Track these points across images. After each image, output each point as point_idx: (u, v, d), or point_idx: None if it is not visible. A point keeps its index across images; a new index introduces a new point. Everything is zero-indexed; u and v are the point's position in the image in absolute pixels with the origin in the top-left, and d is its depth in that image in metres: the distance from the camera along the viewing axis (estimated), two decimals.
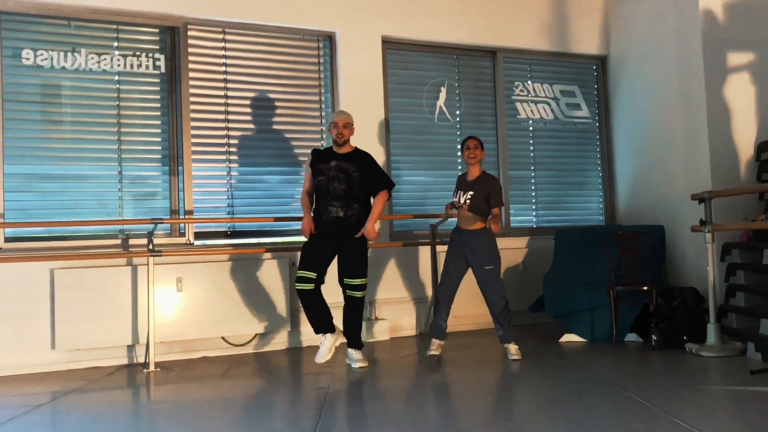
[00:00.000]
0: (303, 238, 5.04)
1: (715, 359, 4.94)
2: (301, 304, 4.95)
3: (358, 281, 4.96)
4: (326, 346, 4.89)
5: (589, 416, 3.50)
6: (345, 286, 4.97)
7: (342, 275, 4.98)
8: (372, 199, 5.16)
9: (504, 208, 7.07)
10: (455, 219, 5.37)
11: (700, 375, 4.49)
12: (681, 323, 5.45)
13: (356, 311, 5.02)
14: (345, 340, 5.01)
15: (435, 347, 5.24)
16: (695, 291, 5.71)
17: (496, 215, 5.16)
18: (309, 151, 5.50)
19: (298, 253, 5.87)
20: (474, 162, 5.27)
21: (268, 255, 5.86)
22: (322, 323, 4.94)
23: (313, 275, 4.83)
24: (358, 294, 4.97)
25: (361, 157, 5.12)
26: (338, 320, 5.00)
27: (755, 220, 5.50)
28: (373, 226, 5.01)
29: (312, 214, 5.12)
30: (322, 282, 4.91)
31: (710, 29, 6.07)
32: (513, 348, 5.09)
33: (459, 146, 5.43)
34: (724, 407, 3.71)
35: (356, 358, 4.98)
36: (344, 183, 4.97)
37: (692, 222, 5.65)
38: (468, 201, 5.17)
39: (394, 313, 6.38)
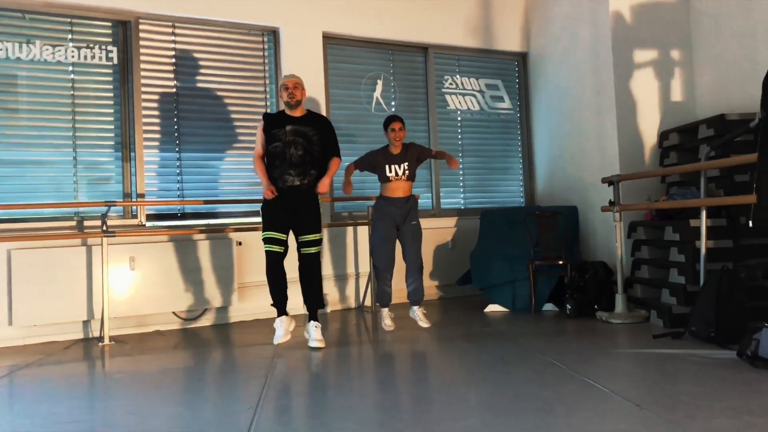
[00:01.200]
0: (251, 219, 5.04)
1: (622, 325, 5.08)
2: (267, 275, 4.63)
3: (314, 236, 4.68)
4: (284, 328, 4.68)
5: (511, 378, 3.58)
6: (301, 244, 4.68)
7: (298, 233, 4.69)
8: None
9: (434, 191, 7.20)
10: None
11: (609, 340, 4.58)
12: (592, 294, 5.58)
13: (315, 270, 4.74)
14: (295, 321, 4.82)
15: (389, 320, 5.26)
16: (605, 265, 5.86)
17: (444, 153, 5.39)
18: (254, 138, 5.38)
19: (244, 234, 5.95)
20: (399, 144, 5.23)
21: (215, 235, 5.85)
22: (284, 300, 4.72)
23: (283, 236, 4.60)
24: (314, 249, 4.69)
25: (317, 119, 4.82)
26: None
27: (658, 200, 5.60)
28: (327, 183, 4.72)
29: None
30: (287, 252, 4.67)
31: (619, 29, 6.18)
32: (421, 312, 5.25)
33: (384, 123, 5.31)
34: (629, 367, 3.81)
35: (315, 337, 4.62)
36: (302, 148, 4.63)
37: (602, 203, 5.83)
38: (407, 171, 5.19)
39: (334, 288, 6.46)
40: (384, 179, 5.24)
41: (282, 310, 4.74)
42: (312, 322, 4.72)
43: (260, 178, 4.75)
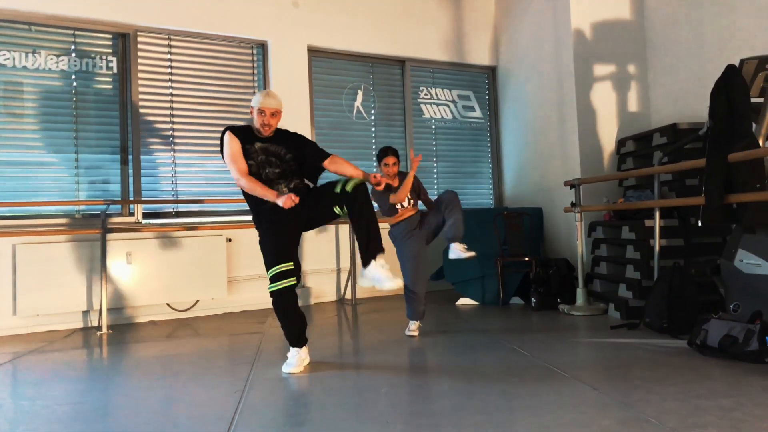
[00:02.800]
0: (240, 218, 4.73)
1: (583, 317, 5.07)
2: (275, 309, 3.54)
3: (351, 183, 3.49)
4: (300, 357, 3.60)
5: (480, 365, 3.58)
6: (344, 193, 3.46)
7: (333, 203, 3.50)
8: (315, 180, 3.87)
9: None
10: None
11: (570, 330, 4.57)
12: (555, 288, 5.56)
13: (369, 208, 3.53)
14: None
15: (415, 326, 4.54)
16: (567, 261, 5.85)
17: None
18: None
19: (234, 231, 5.87)
20: (393, 179, 4.42)
21: (206, 232, 5.75)
22: (304, 330, 3.64)
23: (291, 265, 3.47)
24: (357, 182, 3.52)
25: (288, 138, 3.73)
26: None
27: (615, 202, 5.61)
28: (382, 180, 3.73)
29: (255, 212, 3.65)
30: (300, 278, 3.60)
31: (580, 45, 6.19)
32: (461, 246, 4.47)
33: (375, 155, 4.57)
34: (588, 355, 3.82)
35: (387, 276, 3.42)
36: (276, 166, 3.60)
37: (565, 204, 5.81)
38: (412, 201, 4.53)
39: (317, 282, 6.42)
40: (392, 212, 4.49)
41: (305, 339, 3.67)
42: (374, 261, 3.47)
43: (265, 194, 3.52)
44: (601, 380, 3.15)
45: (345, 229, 6.47)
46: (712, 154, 4.00)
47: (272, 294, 3.48)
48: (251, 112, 3.65)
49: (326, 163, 3.72)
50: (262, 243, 3.59)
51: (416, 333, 4.51)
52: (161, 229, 5.62)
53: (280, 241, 3.52)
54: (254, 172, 3.59)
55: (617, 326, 4.53)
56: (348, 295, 6.33)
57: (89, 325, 5.31)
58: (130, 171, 5.73)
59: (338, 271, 6.51)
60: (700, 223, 4.07)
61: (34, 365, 3.95)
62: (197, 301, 5.71)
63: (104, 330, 5.02)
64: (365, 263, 3.48)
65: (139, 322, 5.44)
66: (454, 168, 7.52)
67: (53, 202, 5.34)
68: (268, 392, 3.14)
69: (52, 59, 5.50)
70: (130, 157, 5.74)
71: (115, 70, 5.77)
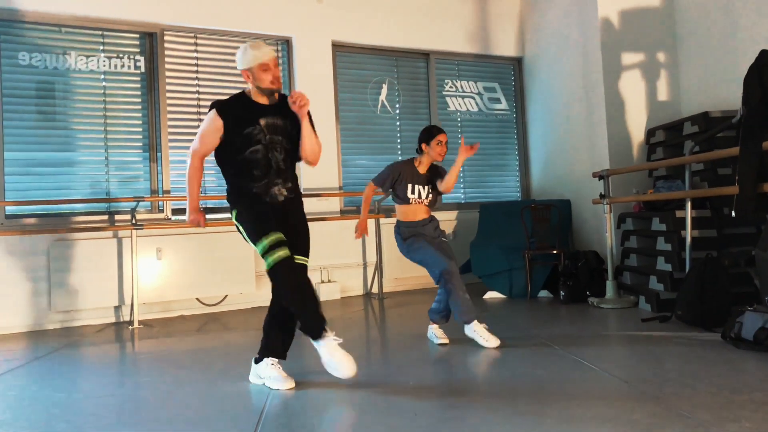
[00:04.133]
0: None
1: (613, 310, 5.01)
2: (280, 288, 2.96)
3: (306, 260, 3.13)
4: (337, 349, 3.00)
5: (508, 358, 3.55)
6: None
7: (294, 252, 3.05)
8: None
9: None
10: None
11: (599, 323, 4.52)
12: (584, 281, 5.49)
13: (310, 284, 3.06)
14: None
15: (485, 331, 3.87)
16: (596, 254, 5.79)
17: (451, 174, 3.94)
18: None
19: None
20: (442, 159, 4.08)
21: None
22: (319, 310, 3.00)
23: (280, 236, 2.94)
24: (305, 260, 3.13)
25: (286, 102, 3.11)
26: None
27: (645, 193, 5.54)
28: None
29: (238, 193, 3.10)
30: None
31: (607, 34, 6.10)
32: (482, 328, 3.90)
33: (424, 135, 4.10)
34: (618, 348, 3.77)
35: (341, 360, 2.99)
36: (283, 150, 3.06)
37: (593, 196, 5.75)
38: (430, 197, 4.04)
39: (343, 276, 6.43)
40: (403, 199, 4.02)
41: (323, 329, 2.98)
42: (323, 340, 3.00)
43: (188, 195, 3.15)
44: (632, 373, 3.10)
45: (371, 223, 6.47)
46: (746, 142, 3.90)
47: (271, 271, 2.90)
48: (247, 76, 3.08)
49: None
50: (242, 218, 3.05)
51: (446, 340, 3.98)
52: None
53: (261, 216, 3.01)
54: (261, 158, 3.02)
55: (648, 319, 4.47)
56: (375, 289, 6.33)
57: (121, 319, 5.41)
58: (159, 168, 5.81)
59: (365, 265, 6.52)
60: (733, 214, 3.98)
61: (68, 359, 4.03)
62: (226, 296, 5.77)
63: (135, 324, 5.10)
64: (313, 338, 2.99)
65: (169, 317, 5.52)
66: (480, 160, 7.47)
67: (85, 200, 5.44)
68: (297, 383, 3.15)
69: (81, 60, 5.59)
70: (159, 154, 5.82)
71: (142, 70, 5.85)
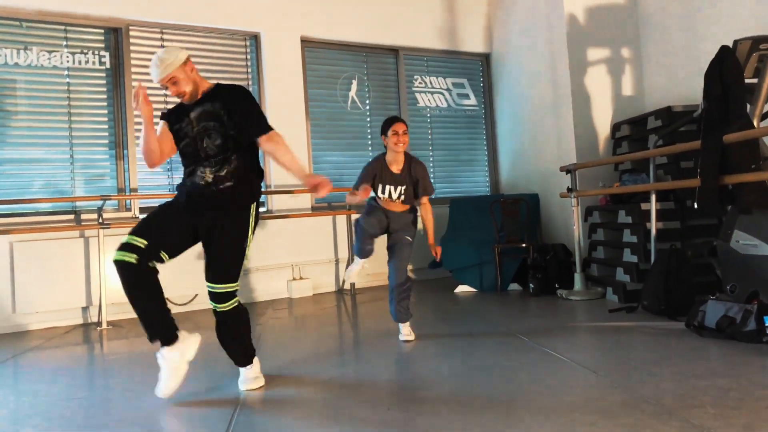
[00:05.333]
0: None
1: (581, 302, 5.08)
2: (120, 279, 2.79)
3: (228, 287, 2.92)
4: (171, 364, 2.87)
5: (479, 350, 3.58)
6: (210, 295, 2.96)
7: (206, 276, 2.94)
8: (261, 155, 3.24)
9: None
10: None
11: (568, 315, 4.59)
12: (553, 273, 5.57)
13: (232, 327, 3.05)
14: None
15: (408, 329, 3.96)
16: (564, 246, 5.88)
17: (429, 217, 3.99)
18: None
19: None
20: (402, 150, 3.82)
21: None
22: (162, 320, 2.87)
23: (141, 243, 2.76)
24: (228, 306, 2.95)
25: (226, 91, 2.99)
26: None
27: (611, 186, 5.59)
28: (307, 176, 2.91)
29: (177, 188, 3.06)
30: (155, 260, 2.83)
31: (573, 30, 6.15)
32: (405, 328, 3.98)
33: (382, 128, 3.86)
34: (587, 339, 3.82)
35: (244, 377, 3.08)
36: (218, 136, 2.89)
37: (561, 189, 5.82)
38: (402, 197, 3.85)
39: (315, 273, 6.41)
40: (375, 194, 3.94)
41: (164, 336, 2.88)
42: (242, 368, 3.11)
43: (143, 129, 2.95)
44: (600, 363, 3.16)
45: (342, 220, 6.46)
46: (707, 135, 3.99)
47: (114, 262, 2.78)
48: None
49: (262, 139, 2.94)
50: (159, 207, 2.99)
51: (412, 337, 3.95)
52: None
53: (153, 216, 2.91)
54: (190, 151, 2.94)
55: (615, 310, 4.54)
56: (347, 286, 6.33)
57: (89, 321, 5.31)
58: (126, 166, 5.72)
59: (336, 261, 6.51)
60: (696, 206, 4.07)
61: (34, 362, 3.94)
62: (196, 295, 5.71)
63: (104, 325, 5.02)
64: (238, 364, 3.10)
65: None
66: (449, 156, 7.51)
67: (49, 199, 5.32)
68: (267, 381, 3.14)
69: (44, 55, 5.47)
70: (125, 151, 5.72)
71: (107, 65, 5.74)
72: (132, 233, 2.80)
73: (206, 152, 2.91)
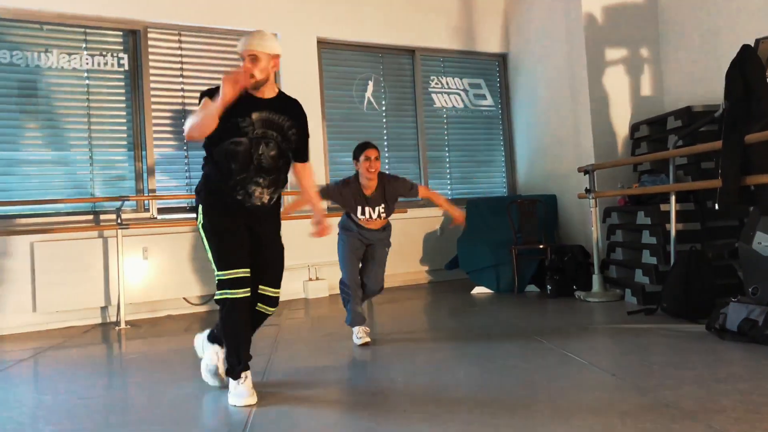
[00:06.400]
0: None
1: (599, 303, 5.04)
2: (221, 321, 2.86)
3: (278, 292, 3.00)
4: (248, 385, 2.82)
5: (496, 352, 3.56)
6: (261, 299, 2.94)
7: (262, 281, 2.93)
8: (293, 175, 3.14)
9: (422, 182, 7.10)
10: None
11: (586, 316, 4.55)
12: (571, 275, 5.53)
13: (255, 328, 3.05)
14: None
15: (363, 333, 3.97)
16: (582, 248, 5.83)
17: (434, 194, 4.09)
18: None
19: None
20: (374, 176, 3.82)
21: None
22: (247, 352, 2.88)
23: (246, 273, 2.79)
24: (273, 310, 3.01)
25: (292, 105, 2.99)
26: None
27: (630, 187, 5.57)
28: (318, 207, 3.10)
29: (207, 189, 2.91)
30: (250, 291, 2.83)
31: (592, 29, 6.11)
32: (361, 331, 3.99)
33: (354, 152, 3.88)
34: (605, 341, 3.79)
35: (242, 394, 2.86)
36: (275, 147, 2.85)
37: (579, 190, 5.76)
38: (383, 215, 3.91)
39: (331, 273, 6.39)
40: (352, 216, 3.97)
41: (247, 363, 2.87)
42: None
43: (214, 104, 2.72)
44: (619, 366, 3.13)
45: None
46: (729, 135, 3.94)
47: (219, 303, 2.81)
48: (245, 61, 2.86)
49: (299, 166, 3.09)
50: (207, 232, 2.87)
51: (367, 339, 3.94)
52: (176, 224, 5.63)
53: (226, 239, 2.83)
54: (243, 151, 2.80)
55: (634, 312, 4.50)
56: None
57: (107, 320, 5.36)
58: (144, 167, 5.76)
59: None
60: (716, 207, 4.02)
61: (54, 361, 3.99)
62: (213, 295, 5.73)
63: (122, 325, 5.06)
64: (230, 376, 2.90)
65: (156, 317, 5.48)
66: (466, 157, 7.48)
67: (69, 200, 5.38)
68: (284, 382, 3.15)
69: (64, 58, 5.53)
70: (144, 153, 5.77)
71: (126, 67, 5.79)
72: (233, 266, 2.77)
73: (260, 161, 2.83)
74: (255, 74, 2.80)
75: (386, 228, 4.06)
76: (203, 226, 2.89)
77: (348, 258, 3.96)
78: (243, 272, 2.78)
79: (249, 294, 2.79)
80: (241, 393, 2.80)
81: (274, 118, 2.86)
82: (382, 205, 3.89)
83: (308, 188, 3.14)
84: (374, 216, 3.90)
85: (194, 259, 5.57)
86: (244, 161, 2.82)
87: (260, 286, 2.92)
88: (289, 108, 2.94)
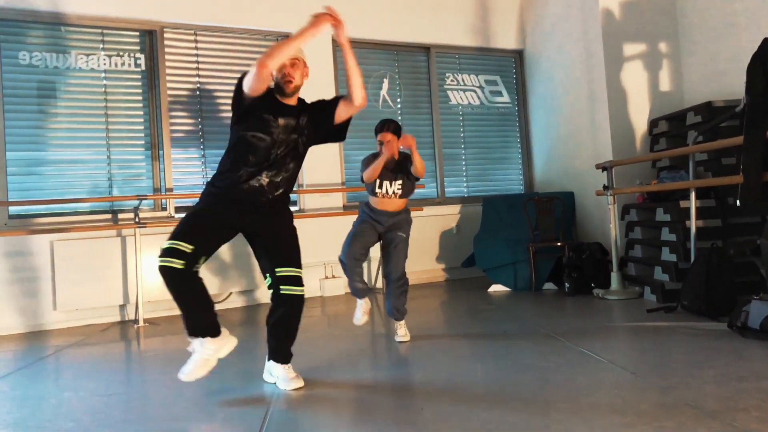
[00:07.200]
0: None
1: (618, 301, 5.01)
2: (169, 292, 2.82)
3: (299, 271, 3.01)
4: (204, 355, 2.87)
5: (514, 350, 3.54)
6: (282, 280, 2.96)
7: (275, 264, 2.97)
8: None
9: (438, 180, 7.10)
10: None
11: (605, 314, 4.52)
12: (589, 272, 5.50)
13: (295, 317, 3.05)
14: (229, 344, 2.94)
15: (362, 312, 4.05)
16: (600, 245, 5.79)
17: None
18: None
19: None
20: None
21: None
22: (206, 318, 2.89)
23: (188, 248, 2.76)
24: (300, 290, 3.00)
25: (304, 104, 3.16)
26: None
27: (649, 184, 5.53)
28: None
29: (213, 185, 3.00)
30: (198, 264, 2.84)
31: (609, 24, 6.07)
32: (402, 329, 4.01)
33: (375, 128, 3.95)
34: (624, 339, 3.76)
35: (287, 377, 3.05)
36: (292, 160, 3.02)
37: (597, 187, 5.73)
38: (400, 189, 3.92)
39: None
40: (372, 192, 3.96)
41: (209, 330, 2.89)
42: (283, 365, 3.09)
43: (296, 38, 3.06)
44: (639, 364, 3.10)
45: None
46: (750, 131, 3.89)
47: (160, 269, 2.78)
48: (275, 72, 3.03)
49: (341, 109, 3.16)
50: (190, 210, 3.02)
51: (407, 338, 3.96)
52: None
53: (195, 219, 2.91)
54: (264, 147, 2.92)
55: (654, 309, 4.45)
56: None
57: (126, 318, 5.42)
58: (161, 166, 5.81)
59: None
60: (738, 203, 3.97)
61: (74, 358, 4.04)
62: (230, 293, 5.78)
63: (141, 323, 5.11)
64: (273, 360, 3.10)
65: (174, 315, 5.50)
66: (482, 154, 7.45)
67: (87, 199, 5.44)
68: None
69: (82, 58, 5.59)
70: (161, 152, 5.82)
71: (143, 67, 5.84)
72: (176, 238, 2.79)
73: (276, 160, 2.96)
74: (296, 78, 3.05)
75: (401, 213, 3.98)
76: (200, 196, 3.03)
77: (351, 238, 3.92)
78: (184, 246, 2.77)
79: (184, 266, 2.75)
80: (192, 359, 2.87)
81: (292, 124, 3.01)
82: (400, 181, 3.91)
83: (355, 79, 3.18)
84: (390, 191, 3.91)
85: (212, 256, 5.57)
86: (262, 156, 2.94)
87: (276, 270, 2.97)
88: (302, 110, 3.10)
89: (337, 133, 3.22)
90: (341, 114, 3.15)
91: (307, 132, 3.07)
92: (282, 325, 3.05)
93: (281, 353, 3.09)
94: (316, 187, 6.24)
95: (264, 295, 5.90)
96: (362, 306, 4.05)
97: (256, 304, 5.87)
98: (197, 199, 3.07)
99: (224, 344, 2.92)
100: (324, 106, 3.18)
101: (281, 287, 2.97)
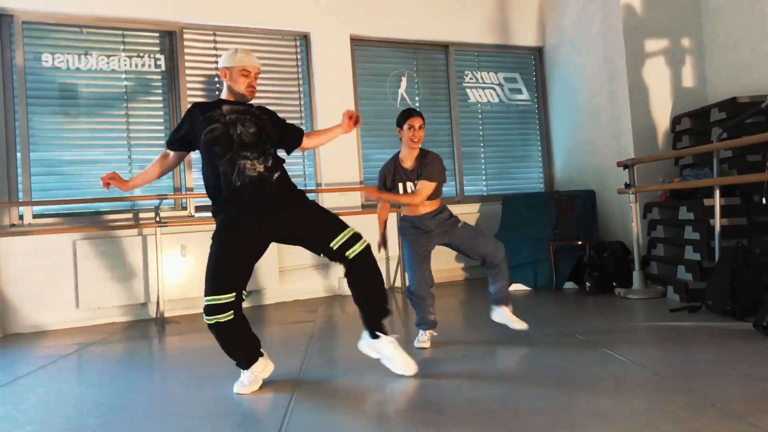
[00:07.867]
0: None
1: (640, 301, 4.96)
2: (218, 342, 2.95)
3: (348, 233, 3.00)
4: (255, 374, 3.02)
5: (534, 350, 3.53)
6: (341, 249, 2.96)
7: (324, 241, 2.97)
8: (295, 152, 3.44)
9: (457, 179, 7.09)
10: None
11: (627, 314, 4.48)
12: (610, 271, 5.45)
13: (374, 270, 3.06)
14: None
15: (426, 338, 3.80)
16: (622, 244, 5.74)
17: (419, 191, 3.58)
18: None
19: None
20: (417, 146, 3.62)
21: None
22: (254, 350, 3.05)
23: (229, 298, 2.83)
24: (363, 243, 3.00)
25: (264, 111, 3.12)
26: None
27: (671, 182, 5.48)
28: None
29: (216, 197, 3.01)
30: (243, 300, 2.92)
31: (630, 20, 6.01)
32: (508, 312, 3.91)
33: (398, 119, 3.66)
34: (647, 339, 3.72)
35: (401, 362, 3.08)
36: (253, 125, 2.95)
37: (618, 185, 5.66)
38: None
39: None
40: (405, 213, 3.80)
41: (256, 357, 3.07)
42: (383, 337, 3.10)
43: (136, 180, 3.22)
44: (662, 364, 3.06)
45: (392, 217, 6.45)
46: None
47: (208, 326, 2.90)
48: (224, 75, 3.01)
49: (304, 142, 3.31)
50: (213, 240, 2.97)
51: (427, 344, 3.77)
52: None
53: (220, 260, 2.88)
54: (220, 135, 2.88)
55: (677, 309, 4.40)
56: (398, 283, 6.33)
57: (148, 316, 5.47)
58: (182, 165, 5.87)
59: (387, 259, 6.51)
60: (764, 201, 3.91)
61: (97, 356, 4.10)
62: (250, 292, 5.81)
63: (162, 321, 5.16)
64: (371, 335, 3.09)
65: (195, 313, 5.56)
66: (502, 152, 7.42)
67: (109, 199, 5.49)
68: (321, 379, 3.17)
69: (103, 60, 5.66)
70: None
71: (163, 68, 5.90)
72: (213, 293, 2.84)
73: (240, 138, 2.92)
74: (255, 87, 3.04)
75: (439, 213, 3.71)
76: (213, 235, 3.02)
77: (414, 260, 3.67)
78: (224, 298, 2.84)
79: (232, 316, 2.86)
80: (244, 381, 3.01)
81: (240, 108, 3.01)
82: (419, 183, 3.62)
83: (327, 136, 3.38)
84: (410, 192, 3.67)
85: None
86: (224, 142, 2.90)
87: (330, 244, 2.97)
88: (254, 107, 3.10)
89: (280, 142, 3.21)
90: (287, 139, 3.23)
91: (264, 118, 3.05)
92: (366, 282, 3.04)
93: (379, 310, 3.09)
94: (335, 186, 6.25)
95: (269, 296, 5.94)
96: (427, 334, 3.80)
97: (260, 305, 5.88)
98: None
99: (264, 367, 3.10)
100: (278, 120, 3.20)
101: (346, 254, 2.97)
